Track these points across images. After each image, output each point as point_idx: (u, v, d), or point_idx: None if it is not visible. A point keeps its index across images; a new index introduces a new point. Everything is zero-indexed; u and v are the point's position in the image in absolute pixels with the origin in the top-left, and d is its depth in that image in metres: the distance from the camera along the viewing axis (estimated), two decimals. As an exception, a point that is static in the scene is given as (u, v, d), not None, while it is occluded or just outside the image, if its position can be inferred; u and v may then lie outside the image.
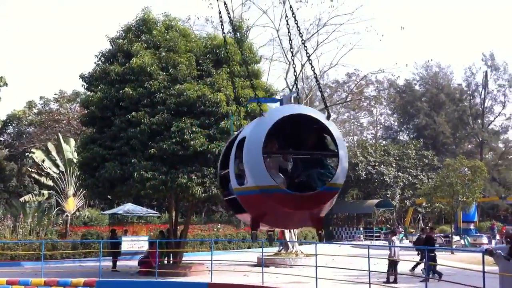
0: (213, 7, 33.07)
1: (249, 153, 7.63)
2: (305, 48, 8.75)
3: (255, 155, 7.54)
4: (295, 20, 8.16)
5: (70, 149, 36.48)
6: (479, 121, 71.12)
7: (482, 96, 70.97)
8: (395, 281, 18.27)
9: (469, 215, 39.88)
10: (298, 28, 8.18)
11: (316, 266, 15.61)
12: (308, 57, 9.48)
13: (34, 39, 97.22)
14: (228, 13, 8.97)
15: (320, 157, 8.44)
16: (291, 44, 8.54)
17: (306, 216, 7.98)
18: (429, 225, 43.59)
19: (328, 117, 7.81)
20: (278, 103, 9.18)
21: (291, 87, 33.91)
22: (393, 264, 18.61)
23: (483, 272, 11.08)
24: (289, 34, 8.27)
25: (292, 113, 7.96)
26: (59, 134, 40.74)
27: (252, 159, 7.61)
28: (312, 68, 8.27)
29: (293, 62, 11.36)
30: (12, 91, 72.42)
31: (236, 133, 9.32)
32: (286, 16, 8.04)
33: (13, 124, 50.02)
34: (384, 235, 46.56)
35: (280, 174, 8.01)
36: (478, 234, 39.93)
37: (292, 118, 7.99)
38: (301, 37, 7.14)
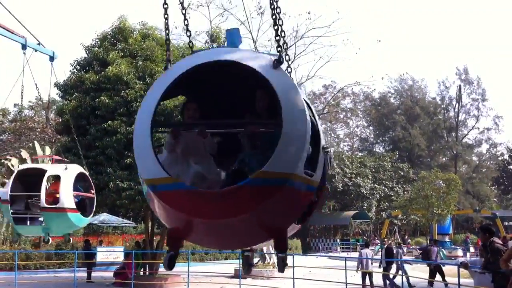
0: (190, 17, 33.00)
1: (136, 131, 5.00)
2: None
3: (140, 132, 4.91)
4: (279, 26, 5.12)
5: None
6: (453, 134, 72.20)
7: (456, 110, 72.11)
8: None
9: (444, 227, 40.27)
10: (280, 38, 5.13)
11: (293, 278, 15.55)
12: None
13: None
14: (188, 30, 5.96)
15: (256, 130, 5.13)
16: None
17: (245, 229, 4.63)
18: (406, 237, 43.93)
19: (278, 63, 4.67)
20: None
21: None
22: (365, 276, 18.64)
23: (459, 285, 11.15)
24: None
25: (208, 60, 5.00)
26: (35, 142, 40.07)
27: (137, 139, 4.91)
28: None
29: None
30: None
31: None
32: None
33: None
34: (360, 247, 46.70)
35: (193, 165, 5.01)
36: (453, 246, 40.31)
37: (216, 69, 5.11)
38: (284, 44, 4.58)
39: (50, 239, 14.94)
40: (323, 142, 5.08)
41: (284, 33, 5.25)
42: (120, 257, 26.86)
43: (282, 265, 4.84)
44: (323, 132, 5.79)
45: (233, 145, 5.30)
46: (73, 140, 21.88)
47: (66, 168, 14.10)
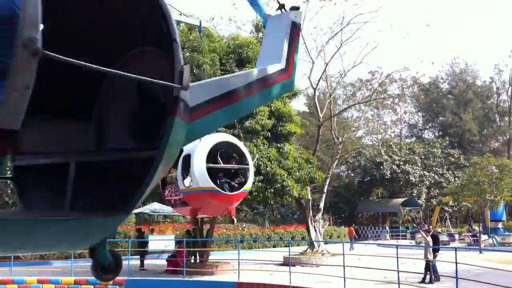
0: (237, 7, 33.10)
1: (197, 166, 14.30)
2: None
3: (201, 167, 14.26)
4: None
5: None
6: (506, 118, 70.01)
7: (509, 93, 69.85)
8: (430, 281, 18.09)
9: (497, 214, 39.31)
10: None
11: (343, 266, 15.54)
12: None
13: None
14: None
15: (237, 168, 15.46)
16: None
17: (226, 207, 15.11)
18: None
19: (240, 140, 15.68)
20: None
21: (314, 86, 33.82)
22: (427, 264, 18.44)
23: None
24: None
25: (221, 140, 15.04)
26: None
27: (199, 170, 14.16)
28: None
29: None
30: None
31: None
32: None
33: None
34: (411, 235, 46.15)
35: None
36: (506, 233, 39.31)
37: (220, 143, 14.78)
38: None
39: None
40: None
41: None
42: (171, 245, 27.40)
43: (232, 221, 17.11)
44: None
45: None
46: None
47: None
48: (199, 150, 14.35)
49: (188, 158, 14.58)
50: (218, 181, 14.85)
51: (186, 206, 16.76)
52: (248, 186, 15.16)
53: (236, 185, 15.34)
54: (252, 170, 15.28)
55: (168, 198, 17.76)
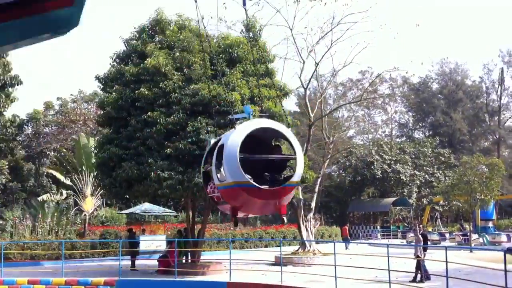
0: (226, 7, 32.99)
1: (228, 157, 11.47)
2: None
3: (232, 157, 11.34)
4: None
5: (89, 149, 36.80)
6: (496, 118, 70.42)
7: (499, 93, 70.27)
8: (421, 280, 18.15)
9: (487, 213, 39.48)
10: None
11: (335, 265, 15.56)
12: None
13: (55, 40, 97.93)
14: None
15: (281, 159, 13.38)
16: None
17: (272, 205, 12.33)
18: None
19: (288, 126, 12.77)
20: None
21: (305, 86, 33.81)
22: (417, 263, 18.49)
23: (505, 271, 10.96)
24: None
25: (260, 126, 12.15)
26: (82, 133, 41.09)
27: (230, 161, 11.41)
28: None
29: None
30: (31, 91, 73.34)
31: (216, 140, 13.34)
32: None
33: (31, 125, 50.51)
34: (402, 234, 46.32)
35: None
36: (496, 232, 39.53)
37: (261, 130, 12.12)
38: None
39: None
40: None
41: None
42: (162, 246, 27.34)
43: (283, 221, 13.36)
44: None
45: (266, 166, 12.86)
46: (114, 132, 22.38)
47: None
48: (232, 137, 11.81)
49: (222, 148, 12.22)
50: (257, 175, 12.42)
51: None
52: (295, 179, 12.07)
53: (281, 179, 12.92)
54: (301, 161, 12.12)
55: (211, 195, 14.68)
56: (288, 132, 12.19)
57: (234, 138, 11.62)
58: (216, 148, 12.25)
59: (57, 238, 29.00)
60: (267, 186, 11.78)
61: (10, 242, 26.69)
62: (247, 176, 11.42)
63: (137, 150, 21.07)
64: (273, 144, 14.07)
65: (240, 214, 14.21)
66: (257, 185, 11.35)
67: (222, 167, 11.82)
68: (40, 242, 27.33)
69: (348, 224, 46.14)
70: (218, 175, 12.14)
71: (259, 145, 12.93)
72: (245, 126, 11.97)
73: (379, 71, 74.42)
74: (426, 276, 18.40)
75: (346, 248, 35.09)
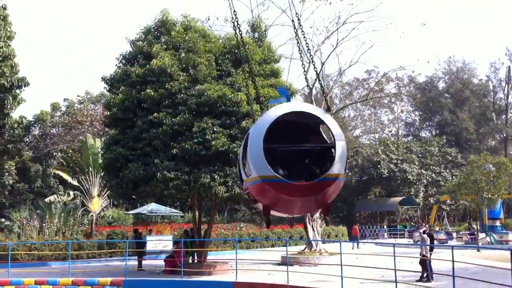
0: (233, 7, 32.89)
1: (251, 148, 9.38)
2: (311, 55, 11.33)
3: (257, 149, 9.19)
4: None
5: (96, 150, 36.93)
6: (503, 116, 70.10)
7: (506, 92, 69.94)
8: (427, 279, 18.11)
9: (494, 212, 39.32)
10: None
11: (341, 265, 15.55)
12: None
13: (62, 41, 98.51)
14: (236, 17, 10.96)
15: (318, 148, 10.67)
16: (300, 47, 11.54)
17: (310, 203, 9.94)
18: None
19: (328, 110, 9.94)
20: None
21: (311, 86, 33.77)
22: (423, 262, 18.45)
23: (512, 270, 10.91)
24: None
25: (290, 110, 9.79)
26: (88, 134, 41.22)
27: (254, 152, 9.33)
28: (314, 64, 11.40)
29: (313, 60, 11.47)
30: (38, 93, 73.77)
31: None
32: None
33: (38, 126, 50.73)
34: (409, 233, 46.22)
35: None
36: (504, 231, 39.35)
37: (293, 114, 9.90)
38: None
39: None
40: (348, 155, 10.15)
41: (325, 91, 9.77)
42: (169, 246, 27.41)
43: (326, 222, 16.60)
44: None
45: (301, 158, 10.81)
46: (121, 133, 22.46)
47: None
48: (256, 125, 9.95)
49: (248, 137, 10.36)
50: (295, 168, 10.59)
51: None
52: (333, 172, 9.40)
53: (318, 172, 10.33)
54: (342, 151, 9.51)
55: (247, 191, 12.18)
56: (325, 116, 9.79)
57: (259, 125, 9.69)
58: (244, 138, 10.63)
59: (64, 238, 29.12)
60: (301, 181, 9.64)
61: (18, 243, 26.84)
62: (279, 170, 9.66)
63: (144, 151, 21.13)
64: (319, 131, 11.38)
65: (278, 214, 12.55)
66: (285, 179, 9.26)
67: (247, 160, 9.97)
68: (47, 243, 27.45)
69: (357, 224, 46.03)
70: (245, 169, 10.37)
71: (299, 133, 10.82)
72: (272, 111, 9.96)
73: (385, 70, 74.43)
74: (431, 276, 18.37)
75: (358, 247, 35.07)
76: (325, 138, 10.44)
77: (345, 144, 9.44)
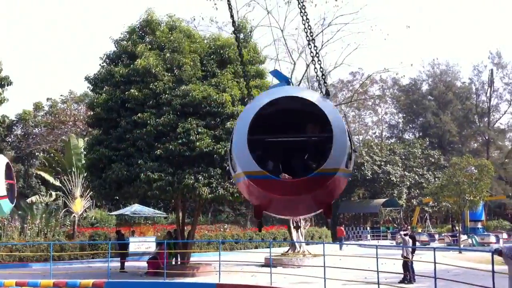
0: (217, 8, 32.96)
1: (235, 140, 7.68)
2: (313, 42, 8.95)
3: (240, 139, 7.51)
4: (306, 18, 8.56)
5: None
6: (485, 119, 70.87)
7: (488, 95, 70.73)
8: (409, 281, 18.22)
9: (476, 214, 39.74)
10: (309, 28, 9.02)
11: (324, 267, 15.58)
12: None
13: (46, 40, 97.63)
14: (232, 15, 9.05)
15: (311, 139, 8.55)
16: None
17: (307, 203, 8.00)
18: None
19: (327, 94, 7.86)
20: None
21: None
22: (405, 264, 18.56)
23: (493, 272, 11.02)
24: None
25: (280, 96, 7.80)
26: (72, 134, 40.86)
27: (237, 145, 7.58)
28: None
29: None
30: (21, 92, 72.96)
31: None
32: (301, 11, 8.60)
33: (21, 125, 50.22)
34: (392, 235, 46.53)
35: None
36: (485, 233, 39.78)
37: (285, 101, 7.90)
38: (311, 34, 8.54)
39: None
40: (353, 144, 7.81)
41: (323, 69, 8.55)
42: (152, 247, 27.26)
43: (327, 224, 12.11)
44: (352, 134, 8.36)
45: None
46: (104, 133, 22.28)
47: None
48: (241, 114, 8.24)
49: None
50: (289, 164, 8.95)
51: None
52: (328, 166, 7.51)
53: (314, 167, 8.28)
54: (341, 141, 7.52)
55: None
56: (323, 102, 7.78)
57: (244, 114, 8.05)
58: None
59: (45, 239, 28.80)
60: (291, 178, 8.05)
61: (-1, 244, 26.50)
62: (269, 165, 8.29)
63: (127, 151, 20.99)
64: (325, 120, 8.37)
65: (277, 215, 11.09)
66: (272, 176, 7.57)
67: (232, 154, 8.45)
68: (28, 244, 27.14)
69: (343, 226, 46.25)
70: (232, 164, 8.68)
71: (301, 123, 8.93)
72: (260, 97, 8.37)
73: (370, 73, 74.81)
74: (413, 278, 18.49)
75: (341, 249, 35.22)
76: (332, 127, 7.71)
77: (345, 133, 7.40)
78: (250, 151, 7.54)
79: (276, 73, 9.51)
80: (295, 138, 8.80)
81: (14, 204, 15.98)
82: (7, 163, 14.83)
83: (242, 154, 7.59)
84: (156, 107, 20.96)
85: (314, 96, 7.83)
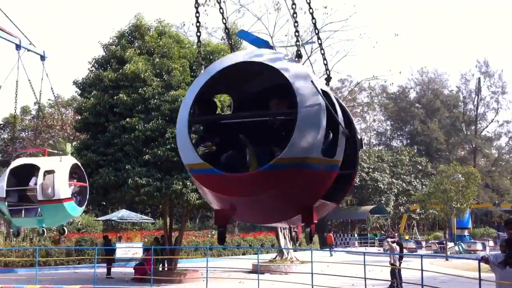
0: (208, 14, 33.07)
1: (177, 124, 5.57)
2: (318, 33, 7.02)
3: (180, 125, 5.48)
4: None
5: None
6: (472, 127, 71.48)
7: (475, 103, 71.37)
8: None
9: (463, 221, 39.98)
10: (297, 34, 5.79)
11: (312, 273, 15.57)
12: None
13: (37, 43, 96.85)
14: (225, 22, 7.69)
15: (275, 118, 5.84)
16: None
17: (274, 205, 5.34)
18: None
19: (299, 58, 5.34)
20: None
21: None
22: (392, 271, 18.59)
23: (479, 279, 11.08)
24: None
25: (229, 64, 5.68)
26: (60, 139, 40.57)
27: (178, 131, 5.54)
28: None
29: None
30: (9, 95, 72.39)
31: None
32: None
33: (7, 129, 49.80)
34: (379, 242, 46.64)
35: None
36: (472, 240, 40.01)
37: (236, 71, 5.76)
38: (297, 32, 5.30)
39: (45, 231, 15.00)
40: (343, 127, 5.44)
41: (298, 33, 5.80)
42: (139, 253, 27.10)
43: (309, 237, 5.76)
44: (349, 117, 6.23)
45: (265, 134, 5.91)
46: (92, 138, 22.16)
47: (60, 160, 14.27)
48: (186, 93, 5.92)
49: None
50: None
51: None
52: (288, 155, 4.83)
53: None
54: (316, 120, 4.88)
55: None
56: (287, 65, 5.25)
57: (188, 91, 5.85)
58: None
59: (31, 244, 28.53)
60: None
61: (-17, 249, 26.21)
62: (222, 157, 5.80)
63: (115, 156, 20.88)
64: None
65: (248, 222, 8.37)
66: (217, 170, 5.20)
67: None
68: (14, 249, 26.88)
69: (332, 232, 46.31)
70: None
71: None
72: (209, 68, 6.06)
73: (358, 80, 75.11)
74: (400, 285, 18.52)
75: (331, 255, 35.28)
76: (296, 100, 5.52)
77: (320, 109, 4.91)
78: (196, 140, 5.87)
79: (243, 35, 7.17)
80: (252, 119, 6.04)
81: (83, 208, 15.65)
82: (76, 165, 14.66)
83: (183, 143, 5.45)
84: (144, 112, 20.88)
85: (275, 59, 5.36)
